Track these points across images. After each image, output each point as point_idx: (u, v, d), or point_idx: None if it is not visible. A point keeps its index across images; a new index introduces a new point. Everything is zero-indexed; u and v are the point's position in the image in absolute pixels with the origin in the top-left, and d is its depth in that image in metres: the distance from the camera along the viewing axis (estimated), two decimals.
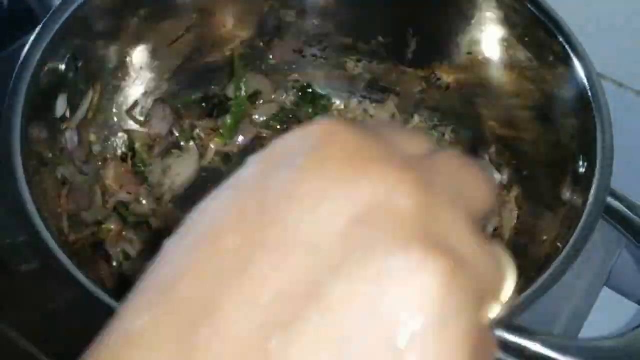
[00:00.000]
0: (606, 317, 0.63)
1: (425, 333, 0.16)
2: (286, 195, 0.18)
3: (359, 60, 0.64)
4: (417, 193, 0.18)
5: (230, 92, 0.64)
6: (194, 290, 0.17)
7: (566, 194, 0.48)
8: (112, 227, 0.54)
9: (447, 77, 0.61)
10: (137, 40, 0.55)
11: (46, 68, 0.46)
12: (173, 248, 0.18)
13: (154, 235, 0.56)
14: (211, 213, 0.18)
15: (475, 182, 0.21)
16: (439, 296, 0.16)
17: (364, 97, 0.66)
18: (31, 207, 0.41)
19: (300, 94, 0.66)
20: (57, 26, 0.47)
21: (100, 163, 0.55)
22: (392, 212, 0.17)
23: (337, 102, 0.66)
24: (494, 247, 0.20)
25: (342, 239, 0.17)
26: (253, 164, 0.19)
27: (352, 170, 0.18)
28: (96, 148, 0.54)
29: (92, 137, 0.53)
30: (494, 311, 0.20)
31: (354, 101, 0.66)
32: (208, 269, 0.17)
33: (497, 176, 0.59)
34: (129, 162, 0.57)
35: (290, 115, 0.65)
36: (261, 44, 0.63)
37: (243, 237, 0.17)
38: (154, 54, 0.57)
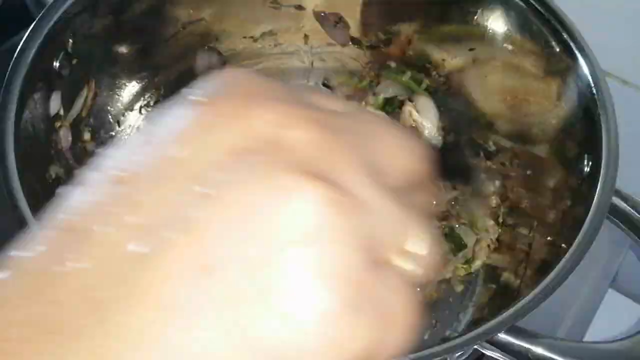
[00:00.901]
0: (611, 319, 0.63)
1: (300, 256, 0.17)
2: (172, 130, 0.18)
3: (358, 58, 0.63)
4: (310, 129, 0.18)
5: None
6: (77, 221, 0.17)
7: (571, 194, 0.48)
8: None
9: (448, 74, 0.60)
10: (132, 37, 0.54)
11: (40, 65, 0.46)
12: (78, 185, 0.18)
13: None
14: (116, 148, 0.19)
15: (392, 143, 0.21)
16: (319, 218, 0.17)
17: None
18: (24, 207, 0.40)
19: None
20: (51, 23, 0.46)
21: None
22: (280, 144, 0.17)
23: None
24: (407, 207, 0.19)
25: (220, 167, 0.17)
26: (169, 106, 0.19)
27: (242, 105, 0.18)
28: (90, 147, 0.53)
29: (87, 136, 0.53)
30: (410, 265, 0.19)
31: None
32: (95, 199, 0.18)
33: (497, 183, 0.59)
34: None
35: None
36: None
37: (129, 169, 0.18)
38: (149, 51, 0.56)
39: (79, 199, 0.18)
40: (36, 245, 0.17)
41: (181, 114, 0.18)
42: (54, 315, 0.16)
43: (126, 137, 0.19)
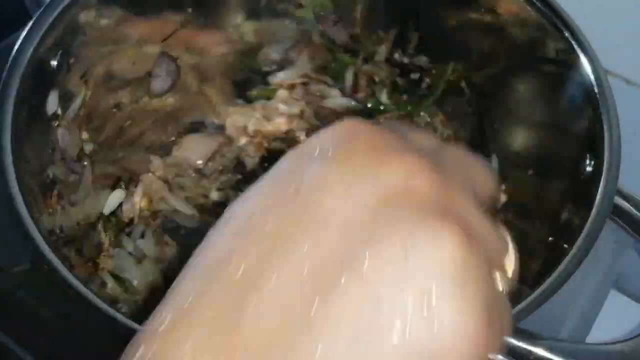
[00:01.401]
0: (614, 320, 0.62)
1: (449, 292, 0.19)
2: (319, 183, 0.20)
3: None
4: (433, 177, 0.21)
5: None
6: (239, 271, 0.19)
7: (573, 194, 0.48)
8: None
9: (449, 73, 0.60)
10: (130, 36, 0.54)
11: (37, 64, 0.45)
12: (215, 238, 0.21)
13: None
14: (252, 202, 0.21)
15: (478, 171, 0.25)
16: (459, 257, 0.19)
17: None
18: (22, 207, 0.40)
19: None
20: (49, 22, 0.46)
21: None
22: (414, 193, 0.20)
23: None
24: (496, 225, 0.23)
25: (371, 217, 0.20)
26: (288, 159, 0.22)
27: (376, 160, 0.21)
28: (88, 147, 0.53)
29: (85, 136, 0.52)
30: (502, 283, 0.23)
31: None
32: (253, 250, 0.19)
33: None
34: None
35: None
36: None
37: (282, 221, 0.20)
38: (148, 51, 0.56)
39: (234, 246, 0.20)
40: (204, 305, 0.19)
41: (315, 168, 0.21)
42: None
43: (258, 185, 0.22)
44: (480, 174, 0.25)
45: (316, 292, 0.19)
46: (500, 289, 0.22)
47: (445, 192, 0.21)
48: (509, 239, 0.24)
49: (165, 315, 0.19)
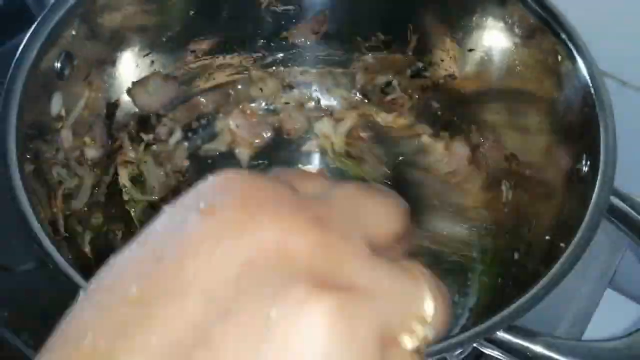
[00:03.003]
0: (610, 318, 0.63)
1: None
2: (183, 243, 0.18)
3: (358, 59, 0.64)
4: (308, 233, 0.19)
5: None
6: (97, 343, 0.17)
7: (569, 194, 0.48)
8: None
9: (448, 75, 0.60)
10: (133, 37, 0.54)
11: (41, 66, 0.45)
12: (85, 303, 0.19)
13: None
14: (119, 265, 0.19)
15: (375, 209, 0.22)
16: (323, 335, 0.17)
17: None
18: (26, 207, 0.40)
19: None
20: (52, 24, 0.46)
21: None
22: (285, 256, 0.18)
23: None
24: (403, 268, 0.20)
25: (234, 284, 0.18)
26: (162, 216, 0.20)
27: (246, 215, 0.18)
28: (91, 149, 0.53)
29: (88, 140, 0.53)
30: (422, 332, 0.20)
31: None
32: (111, 320, 0.18)
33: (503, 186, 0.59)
34: None
35: None
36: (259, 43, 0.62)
37: (143, 287, 0.18)
38: (151, 50, 0.56)
39: (92, 320, 0.18)
40: None
41: (183, 225, 0.19)
42: None
43: (128, 249, 0.20)
44: (378, 212, 0.22)
45: None
46: (410, 345, 0.20)
47: (322, 250, 0.18)
48: (425, 278, 0.21)
49: None
